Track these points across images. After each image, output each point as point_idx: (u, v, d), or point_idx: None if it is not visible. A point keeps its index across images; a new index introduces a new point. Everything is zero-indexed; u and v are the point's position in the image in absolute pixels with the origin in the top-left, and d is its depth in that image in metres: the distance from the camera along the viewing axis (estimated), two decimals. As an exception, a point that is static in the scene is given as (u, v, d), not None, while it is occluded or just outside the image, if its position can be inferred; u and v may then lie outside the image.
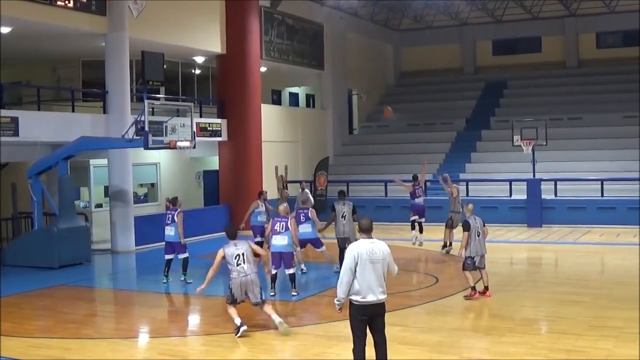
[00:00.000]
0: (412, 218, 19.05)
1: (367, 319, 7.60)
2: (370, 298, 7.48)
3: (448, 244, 18.19)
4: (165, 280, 15.05)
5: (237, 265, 10.33)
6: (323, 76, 30.99)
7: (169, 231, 14.86)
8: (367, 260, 7.46)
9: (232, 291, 10.46)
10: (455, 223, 17.80)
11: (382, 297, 7.56)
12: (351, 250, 7.52)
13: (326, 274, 15.67)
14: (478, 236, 12.64)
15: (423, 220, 19.06)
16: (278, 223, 13.07)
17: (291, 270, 13.18)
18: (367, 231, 7.64)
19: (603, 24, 34.52)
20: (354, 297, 7.52)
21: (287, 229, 13.01)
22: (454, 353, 9.40)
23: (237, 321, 10.36)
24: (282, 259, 13.10)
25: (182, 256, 15.01)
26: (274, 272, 13.08)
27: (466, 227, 12.63)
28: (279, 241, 13.01)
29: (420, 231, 18.96)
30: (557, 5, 33.77)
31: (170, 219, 14.85)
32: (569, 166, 26.47)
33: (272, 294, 13.02)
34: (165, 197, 24.85)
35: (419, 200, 19.00)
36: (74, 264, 17.44)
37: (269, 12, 26.61)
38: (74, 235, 17.69)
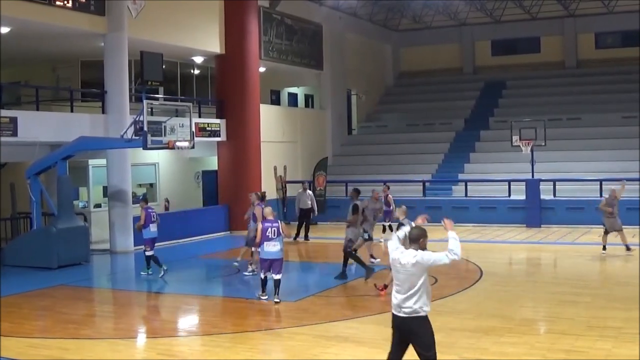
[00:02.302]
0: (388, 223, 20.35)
1: (397, 332, 7.14)
2: (395, 310, 7.13)
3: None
4: (150, 273, 15.79)
5: None
6: (322, 76, 30.98)
7: (155, 227, 15.91)
8: (395, 268, 7.13)
9: None
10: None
11: (402, 314, 7.05)
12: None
13: (326, 274, 15.68)
14: None
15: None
16: (270, 229, 12.55)
17: (278, 276, 12.62)
18: (412, 241, 7.19)
19: (602, 24, 34.54)
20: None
21: (279, 234, 12.57)
22: (453, 353, 9.39)
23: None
24: (272, 264, 12.60)
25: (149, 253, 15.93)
26: (263, 276, 12.72)
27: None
28: (271, 248, 12.54)
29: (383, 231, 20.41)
30: (556, 5, 33.78)
31: (154, 216, 15.90)
32: (568, 166, 26.47)
33: (265, 297, 12.71)
34: (165, 198, 24.99)
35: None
36: (73, 264, 17.43)
37: (268, 12, 26.60)
38: (73, 236, 17.68)
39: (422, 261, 7.01)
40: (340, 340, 10.08)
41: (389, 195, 20.67)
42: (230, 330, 11.07)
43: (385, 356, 9.60)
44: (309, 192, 22.01)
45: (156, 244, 20.16)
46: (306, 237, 21.48)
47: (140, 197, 17.37)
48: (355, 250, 14.74)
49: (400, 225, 12.62)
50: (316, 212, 21.91)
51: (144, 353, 10.24)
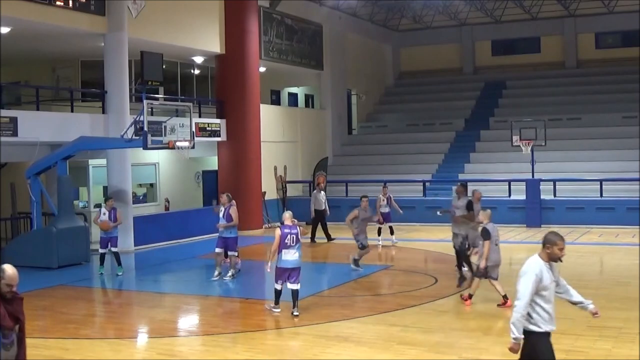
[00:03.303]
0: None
1: None
2: None
3: None
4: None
5: None
6: (322, 76, 30.99)
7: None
8: None
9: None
10: None
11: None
12: None
13: (326, 274, 15.68)
14: (496, 245, 12.03)
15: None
16: (288, 235, 11.47)
17: (297, 286, 11.61)
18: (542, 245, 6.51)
19: (602, 24, 34.56)
20: None
21: (297, 241, 11.55)
22: (453, 353, 9.40)
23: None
24: (290, 274, 11.62)
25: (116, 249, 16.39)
26: (279, 287, 11.65)
27: (487, 235, 11.83)
28: (290, 256, 11.49)
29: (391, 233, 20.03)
30: (556, 5, 33.79)
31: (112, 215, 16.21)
32: (568, 166, 26.48)
33: (278, 310, 11.66)
34: (165, 198, 25.00)
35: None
36: (73, 264, 17.44)
37: (268, 12, 26.61)
38: (73, 235, 17.69)
39: (519, 275, 6.34)
40: (340, 340, 10.07)
41: (391, 196, 20.19)
42: (230, 330, 11.07)
43: (385, 355, 9.62)
44: (323, 192, 21.51)
45: (157, 244, 20.49)
46: (330, 238, 20.96)
47: (109, 196, 17.35)
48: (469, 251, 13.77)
49: (485, 229, 11.95)
50: (328, 213, 21.37)
51: (144, 353, 10.24)
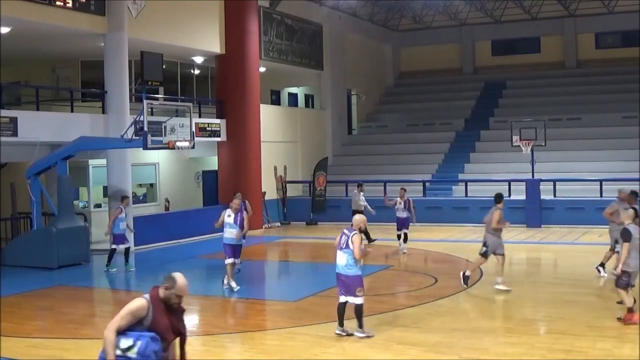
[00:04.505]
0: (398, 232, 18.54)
1: None
2: None
3: None
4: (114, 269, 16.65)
5: None
6: (322, 76, 30.99)
7: (124, 225, 16.88)
8: None
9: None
10: None
11: None
12: None
13: (326, 274, 15.65)
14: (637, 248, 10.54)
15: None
16: (343, 237, 10.21)
17: (355, 299, 10.15)
18: None
19: (602, 24, 34.57)
20: None
21: (347, 246, 10.07)
22: (453, 353, 9.40)
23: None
24: (344, 286, 10.25)
25: (126, 246, 16.93)
26: (342, 300, 10.33)
27: (627, 236, 10.47)
28: (338, 259, 10.22)
29: (404, 240, 18.42)
30: (556, 5, 33.79)
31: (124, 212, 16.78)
32: (568, 166, 26.47)
33: (344, 333, 10.24)
34: (165, 198, 25.00)
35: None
36: (73, 264, 17.44)
37: (268, 12, 26.61)
38: (73, 236, 17.69)
39: None
40: (341, 340, 10.07)
41: (411, 200, 18.68)
42: (230, 330, 11.07)
43: (385, 355, 9.62)
44: (362, 194, 20.26)
45: (157, 244, 20.52)
46: (370, 239, 19.25)
47: (126, 195, 17.95)
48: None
49: (626, 230, 10.55)
50: (372, 212, 19.51)
51: (144, 353, 10.22)
